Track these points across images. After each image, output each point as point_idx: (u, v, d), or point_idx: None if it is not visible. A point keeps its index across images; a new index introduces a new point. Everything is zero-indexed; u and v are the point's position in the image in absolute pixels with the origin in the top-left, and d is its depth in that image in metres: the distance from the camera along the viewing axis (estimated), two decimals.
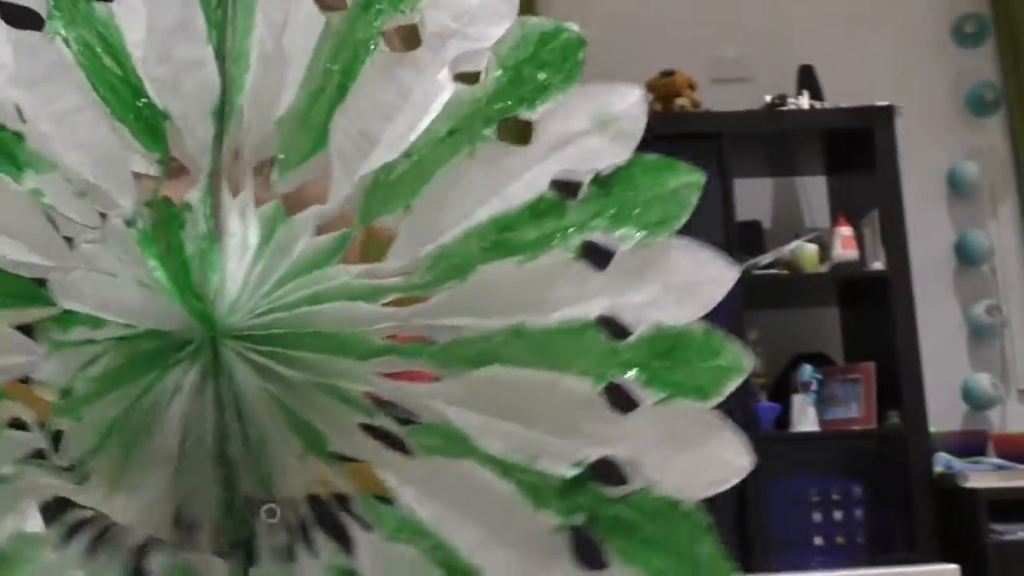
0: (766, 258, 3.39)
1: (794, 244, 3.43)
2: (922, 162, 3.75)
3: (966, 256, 3.80)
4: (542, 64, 0.50)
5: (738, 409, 3.18)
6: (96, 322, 0.45)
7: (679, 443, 0.48)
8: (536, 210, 0.48)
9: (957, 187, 3.84)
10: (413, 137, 0.48)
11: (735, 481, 0.48)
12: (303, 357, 0.46)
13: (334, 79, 0.49)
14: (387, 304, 0.47)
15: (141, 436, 0.45)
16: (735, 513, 3.17)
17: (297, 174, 0.49)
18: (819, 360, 3.50)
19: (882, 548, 3.17)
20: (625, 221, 0.48)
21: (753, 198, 3.70)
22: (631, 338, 0.48)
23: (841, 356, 3.63)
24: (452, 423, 0.47)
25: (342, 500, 0.47)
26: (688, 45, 3.85)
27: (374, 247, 0.50)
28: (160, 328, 0.44)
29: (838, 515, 3.20)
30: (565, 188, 0.49)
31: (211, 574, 0.47)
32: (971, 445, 3.38)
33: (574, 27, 0.52)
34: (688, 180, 0.49)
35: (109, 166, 0.47)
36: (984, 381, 3.67)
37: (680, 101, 3.42)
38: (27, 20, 0.48)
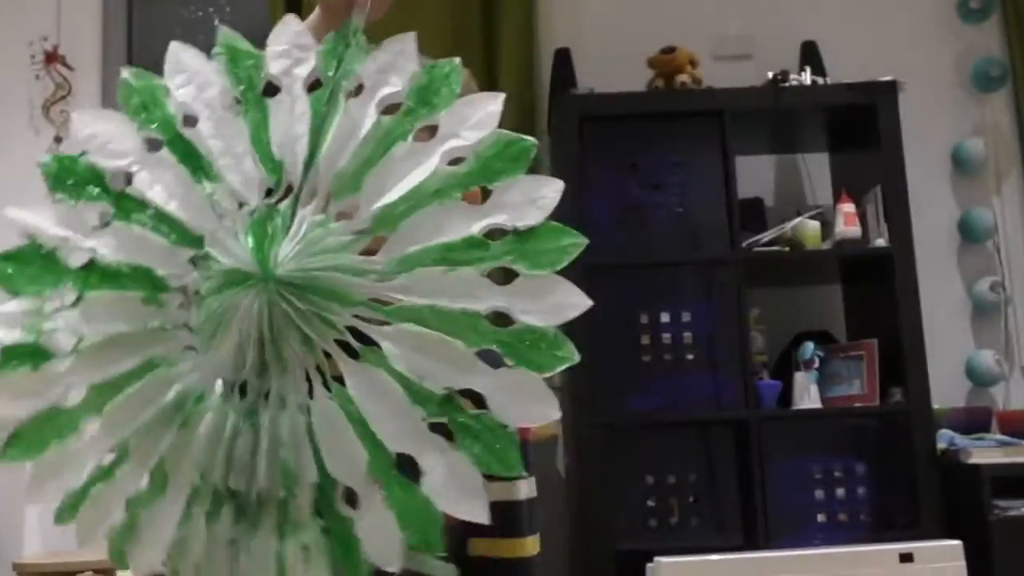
0: (768, 235, 3.38)
1: (796, 221, 3.42)
2: (926, 138, 3.73)
3: (970, 233, 3.79)
4: (503, 159, 0.86)
5: (740, 387, 3.18)
6: (217, 261, 0.88)
7: (516, 392, 0.82)
8: (470, 243, 0.85)
9: (961, 164, 3.83)
10: (409, 190, 0.87)
11: (548, 420, 0.82)
12: (312, 297, 0.85)
13: (374, 154, 0.89)
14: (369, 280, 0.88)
15: (229, 317, 0.86)
16: (738, 490, 3.18)
17: (342, 204, 0.89)
18: (821, 338, 3.49)
19: (885, 525, 3.17)
20: (526, 259, 0.84)
21: (755, 175, 3.69)
22: (511, 328, 0.83)
23: (844, 334, 3.63)
24: (382, 349, 0.85)
25: (320, 372, 0.86)
26: (690, 22, 3.84)
27: (375, 245, 0.88)
28: (243, 269, 0.86)
29: (840, 492, 3.20)
30: (493, 235, 0.84)
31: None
32: (975, 422, 3.37)
33: (530, 139, 0.87)
34: (574, 241, 0.84)
35: (250, 183, 0.91)
36: (988, 358, 3.66)
37: (681, 78, 3.39)
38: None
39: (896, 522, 3.17)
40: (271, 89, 0.94)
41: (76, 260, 0.91)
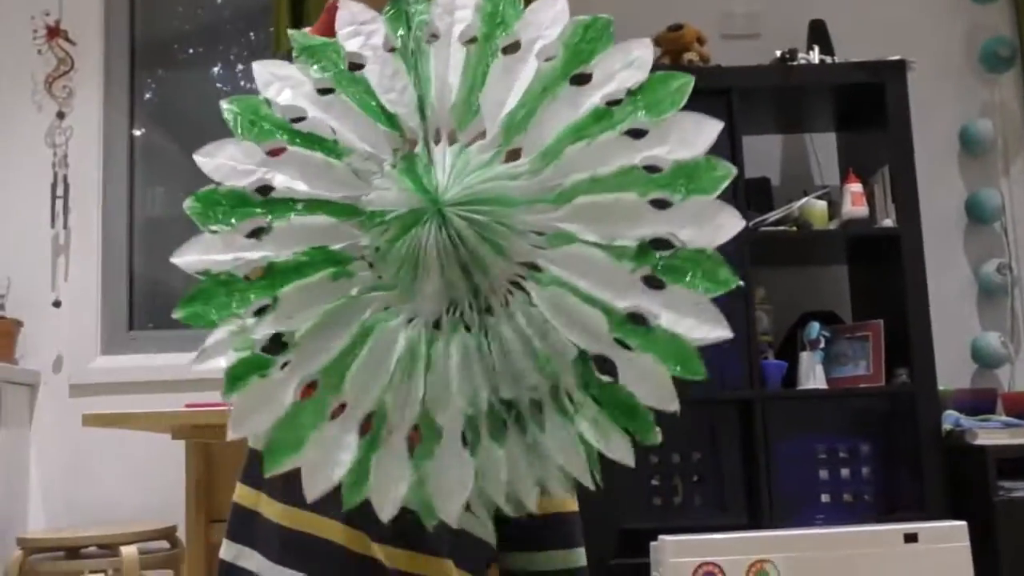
0: (774, 215, 3.36)
1: (803, 201, 3.40)
2: (934, 119, 3.71)
3: (977, 214, 3.77)
4: (588, 40, 0.93)
5: (745, 367, 3.17)
6: (384, 213, 0.92)
7: (700, 219, 0.88)
8: (595, 115, 0.91)
9: (969, 144, 3.80)
10: (521, 96, 0.93)
11: (734, 232, 0.88)
12: (485, 208, 0.90)
13: (475, 78, 0.95)
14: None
15: (420, 256, 0.90)
16: (743, 470, 3.18)
17: (470, 131, 0.95)
18: (827, 318, 3.48)
19: (890, 506, 3.17)
20: (651, 110, 0.90)
21: (762, 155, 3.67)
22: (664, 170, 0.89)
23: (849, 314, 3.62)
24: (563, 228, 0.90)
25: (519, 277, 0.91)
26: (698, 0, 3.81)
27: (513, 155, 0.94)
28: (414, 208, 0.91)
29: (845, 473, 3.20)
30: (612, 103, 0.91)
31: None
32: (980, 403, 3.36)
33: (605, 16, 0.94)
34: (684, 81, 0.92)
35: (379, 143, 0.96)
36: (994, 340, 3.65)
37: (688, 56, 3.38)
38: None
39: (901, 503, 3.17)
40: (356, 67, 0.99)
41: (254, 272, 0.95)
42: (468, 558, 1.22)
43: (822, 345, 3.31)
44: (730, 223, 0.88)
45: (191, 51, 4.23)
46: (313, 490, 0.89)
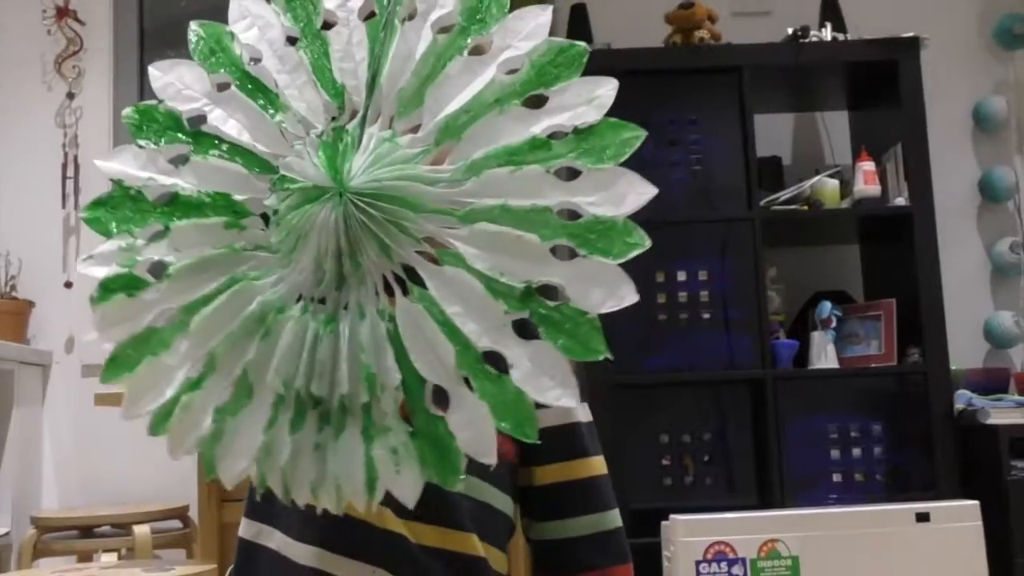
0: (786, 194, 3.35)
1: (815, 179, 3.38)
2: (947, 96, 3.68)
3: (991, 193, 3.75)
4: (556, 64, 0.90)
5: (757, 346, 3.17)
6: (293, 181, 0.92)
7: (593, 280, 0.84)
8: (532, 144, 0.88)
9: (983, 122, 3.78)
10: (468, 101, 0.90)
11: (623, 305, 0.83)
12: (386, 206, 0.88)
13: (434, 69, 0.93)
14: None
15: (307, 230, 0.90)
16: (754, 450, 3.17)
17: (406, 120, 0.93)
18: (839, 298, 3.47)
19: (902, 485, 3.17)
20: (590, 155, 0.86)
21: (774, 134, 3.65)
22: (579, 220, 0.86)
23: (861, 294, 3.60)
24: (458, 250, 0.87)
25: (398, 280, 0.89)
26: None
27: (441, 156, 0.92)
28: (319, 184, 0.90)
29: (857, 452, 3.19)
30: (555, 135, 0.87)
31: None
32: (993, 383, 3.36)
33: (581, 44, 0.90)
34: (634, 134, 0.87)
35: (316, 109, 0.95)
36: (1007, 319, 3.64)
37: (700, 34, 3.35)
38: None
39: (913, 482, 3.16)
40: (328, 26, 0.99)
41: (160, 197, 0.98)
42: (491, 532, 1.22)
43: (834, 324, 3.30)
44: (624, 291, 0.83)
45: None
46: (129, 411, 0.95)
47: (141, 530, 2.97)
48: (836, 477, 3.19)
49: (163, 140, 0.98)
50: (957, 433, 3.13)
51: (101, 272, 0.97)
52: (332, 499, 0.89)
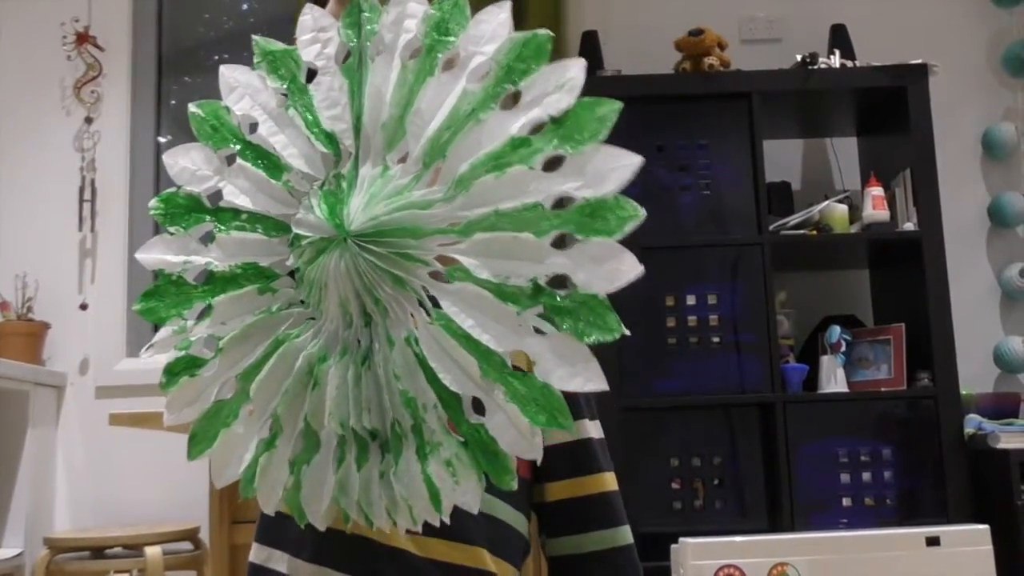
0: (795, 219, 3.37)
1: (824, 204, 3.40)
2: (956, 123, 3.71)
3: (1000, 218, 3.76)
4: (524, 59, 0.88)
5: (766, 370, 3.18)
6: (302, 236, 0.95)
7: (595, 261, 0.83)
8: (513, 144, 0.87)
9: (992, 148, 3.80)
10: (446, 118, 0.91)
11: (631, 278, 0.82)
12: (388, 240, 0.91)
13: (409, 97, 0.94)
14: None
15: (325, 281, 0.94)
16: (764, 473, 3.18)
17: (395, 152, 0.95)
18: (848, 322, 3.48)
19: (912, 510, 3.17)
20: (569, 140, 0.85)
21: (783, 159, 3.67)
22: (570, 207, 0.85)
23: (871, 318, 3.61)
24: (463, 264, 0.88)
25: (421, 305, 0.92)
26: (718, 4, 3.82)
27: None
28: (324, 235, 0.93)
29: (867, 476, 3.20)
30: (534, 129, 0.86)
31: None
32: (1003, 408, 3.36)
33: (543, 32, 0.87)
34: (610, 108, 0.84)
35: (315, 162, 0.99)
36: (1016, 344, 3.64)
37: (709, 60, 3.38)
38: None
39: (923, 506, 3.16)
40: (313, 75, 1.02)
41: (198, 277, 1.03)
42: (504, 548, 1.23)
43: (843, 348, 3.31)
44: (628, 264, 0.83)
45: (217, 58, 4.27)
46: (219, 480, 1.00)
47: (153, 551, 2.99)
48: (846, 501, 3.19)
49: (189, 223, 1.04)
50: (967, 457, 3.13)
51: (163, 358, 1.03)
52: (408, 520, 0.93)
